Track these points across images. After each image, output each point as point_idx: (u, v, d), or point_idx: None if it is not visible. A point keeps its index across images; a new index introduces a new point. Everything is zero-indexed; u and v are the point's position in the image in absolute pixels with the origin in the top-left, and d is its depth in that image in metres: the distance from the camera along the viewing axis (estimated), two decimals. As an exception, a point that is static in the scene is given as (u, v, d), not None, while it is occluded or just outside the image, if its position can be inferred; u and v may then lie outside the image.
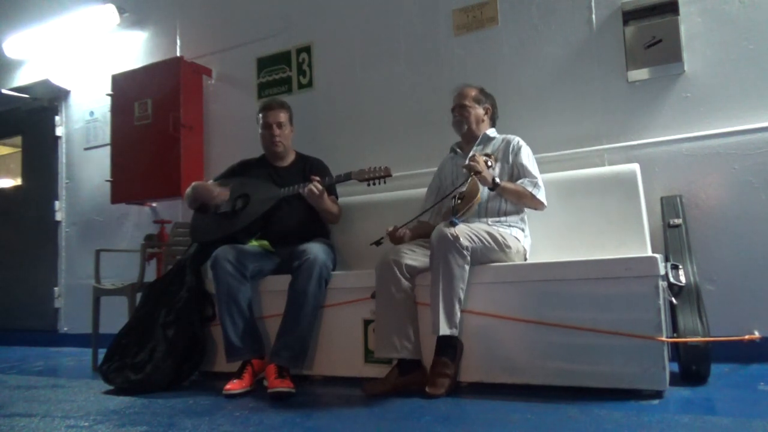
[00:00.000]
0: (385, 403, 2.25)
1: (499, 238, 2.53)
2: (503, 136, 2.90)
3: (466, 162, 2.65)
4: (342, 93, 3.98)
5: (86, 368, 3.72)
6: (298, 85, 4.12)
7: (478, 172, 2.53)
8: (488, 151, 2.82)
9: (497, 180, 2.61)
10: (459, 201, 2.51)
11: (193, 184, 3.20)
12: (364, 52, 3.89)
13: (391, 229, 2.74)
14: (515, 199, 2.68)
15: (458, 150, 3.00)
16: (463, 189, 2.54)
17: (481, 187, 2.55)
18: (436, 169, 3.10)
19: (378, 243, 2.69)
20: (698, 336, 2.32)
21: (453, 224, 2.41)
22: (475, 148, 2.89)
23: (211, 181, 3.32)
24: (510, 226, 2.68)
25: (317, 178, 2.95)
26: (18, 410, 2.42)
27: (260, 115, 3.21)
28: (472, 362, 2.44)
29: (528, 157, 2.76)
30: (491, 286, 2.44)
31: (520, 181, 2.69)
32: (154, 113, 4.36)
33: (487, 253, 2.50)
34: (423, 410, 2.11)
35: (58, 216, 5.22)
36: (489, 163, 2.63)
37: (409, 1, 3.76)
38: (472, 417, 2.00)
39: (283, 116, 3.19)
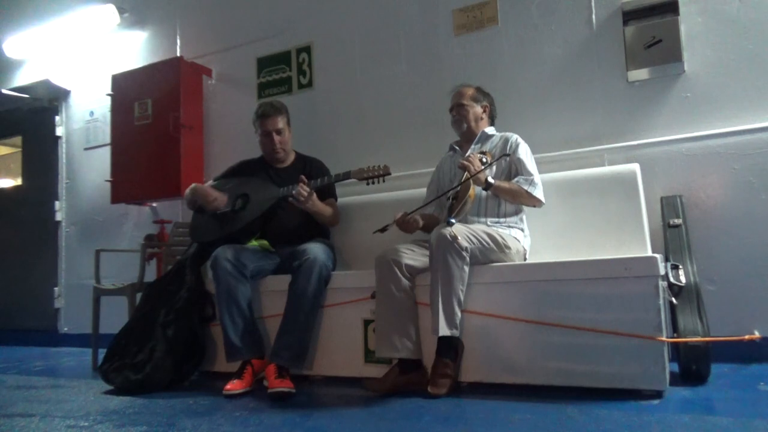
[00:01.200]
0: (385, 403, 2.25)
1: (499, 238, 2.53)
2: (502, 133, 2.90)
3: (460, 161, 2.65)
4: (342, 93, 3.98)
5: (86, 368, 3.72)
6: (298, 85, 4.12)
7: (471, 172, 2.54)
8: (486, 148, 2.81)
9: (490, 180, 2.61)
10: (453, 201, 2.52)
11: (192, 186, 3.20)
12: (364, 52, 3.89)
13: (399, 215, 2.70)
14: (510, 198, 2.68)
15: (457, 148, 3.00)
16: (458, 188, 2.55)
17: (473, 185, 2.55)
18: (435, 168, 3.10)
19: (383, 230, 2.64)
20: (698, 336, 2.32)
21: (450, 224, 2.41)
22: (473, 146, 2.89)
23: (210, 182, 3.32)
24: (509, 226, 2.68)
25: (304, 180, 2.93)
26: (18, 410, 2.42)
27: (257, 122, 3.19)
28: (472, 362, 2.44)
29: (525, 154, 2.76)
30: (491, 286, 2.44)
31: (515, 180, 2.69)
32: (154, 113, 4.37)
33: (487, 254, 2.50)
34: (423, 410, 2.11)
35: (58, 216, 5.22)
36: (484, 160, 2.62)
37: (409, 1, 3.76)
38: (472, 417, 2.00)
39: (281, 122, 3.18)
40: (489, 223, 2.67)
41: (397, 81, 3.76)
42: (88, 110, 5.16)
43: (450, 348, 2.40)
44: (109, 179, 4.58)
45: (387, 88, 3.79)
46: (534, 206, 2.73)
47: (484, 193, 2.68)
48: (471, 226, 2.53)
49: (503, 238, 2.56)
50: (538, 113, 3.31)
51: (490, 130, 2.93)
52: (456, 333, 2.39)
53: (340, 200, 3.35)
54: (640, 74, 3.06)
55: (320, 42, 4.07)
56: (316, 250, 2.81)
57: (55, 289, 5.20)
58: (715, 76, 2.93)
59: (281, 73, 4.17)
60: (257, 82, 4.28)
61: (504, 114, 3.12)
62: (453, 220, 2.43)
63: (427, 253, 2.50)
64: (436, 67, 3.62)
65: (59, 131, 5.31)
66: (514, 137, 2.82)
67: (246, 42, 4.35)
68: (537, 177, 2.69)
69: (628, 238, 2.75)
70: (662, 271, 2.23)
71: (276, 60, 4.21)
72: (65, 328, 5.17)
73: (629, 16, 3.08)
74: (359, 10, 3.93)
